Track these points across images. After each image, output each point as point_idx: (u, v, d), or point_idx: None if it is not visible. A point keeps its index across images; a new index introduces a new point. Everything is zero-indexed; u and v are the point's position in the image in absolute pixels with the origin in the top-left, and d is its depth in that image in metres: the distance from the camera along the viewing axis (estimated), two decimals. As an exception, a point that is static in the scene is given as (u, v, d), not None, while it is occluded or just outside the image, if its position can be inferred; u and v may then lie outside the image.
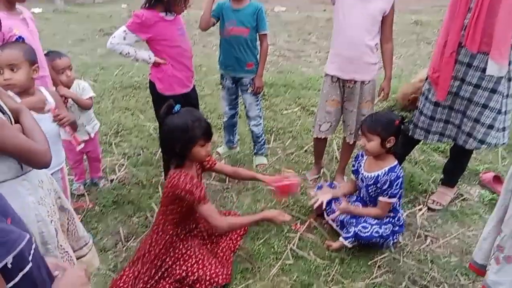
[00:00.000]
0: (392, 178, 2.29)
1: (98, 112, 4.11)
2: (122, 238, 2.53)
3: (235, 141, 3.50)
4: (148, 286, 2.06)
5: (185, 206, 2.03)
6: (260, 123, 3.25)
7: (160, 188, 2.97)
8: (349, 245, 2.36)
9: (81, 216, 2.65)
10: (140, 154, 3.47)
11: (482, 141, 2.48)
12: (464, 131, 2.53)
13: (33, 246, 0.91)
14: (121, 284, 2.09)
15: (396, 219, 2.40)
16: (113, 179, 3.11)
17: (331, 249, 2.41)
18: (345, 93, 2.74)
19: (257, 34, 2.94)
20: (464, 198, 2.93)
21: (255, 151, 3.37)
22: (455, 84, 2.46)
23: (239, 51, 2.93)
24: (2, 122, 1.32)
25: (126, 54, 2.53)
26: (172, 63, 2.59)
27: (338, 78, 2.69)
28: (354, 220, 2.40)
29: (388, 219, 2.39)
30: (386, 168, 2.33)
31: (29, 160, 1.39)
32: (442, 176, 2.96)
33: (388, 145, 2.29)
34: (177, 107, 1.97)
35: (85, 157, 2.94)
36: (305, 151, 3.56)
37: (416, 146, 3.08)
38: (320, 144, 3.05)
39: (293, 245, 2.46)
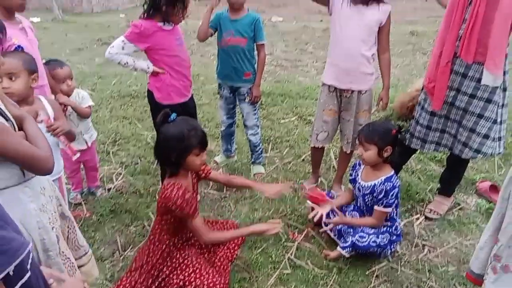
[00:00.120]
0: (388, 187, 2.30)
1: (96, 121, 4.12)
2: (119, 247, 2.52)
3: (233, 150, 3.51)
4: (145, 296, 2.04)
5: (178, 217, 2.03)
6: (258, 132, 3.26)
7: (157, 197, 2.96)
8: (347, 255, 2.36)
9: (78, 225, 2.63)
10: (137, 163, 3.47)
11: (478, 151, 2.49)
12: (460, 141, 2.55)
13: (31, 255, 0.91)
14: (118, 294, 2.07)
15: (393, 228, 2.40)
16: (110, 188, 3.10)
17: (329, 259, 2.41)
18: (342, 102, 2.76)
19: (255, 44, 2.97)
20: (461, 207, 2.93)
21: (252, 160, 3.38)
22: (451, 94, 2.48)
23: (236, 61, 2.95)
24: (6, 128, 1.33)
25: (125, 64, 2.54)
26: (171, 73, 2.60)
27: (335, 88, 2.72)
28: (351, 230, 2.40)
29: (385, 229, 2.39)
30: (383, 178, 2.33)
31: (32, 166, 1.39)
32: (439, 185, 2.97)
33: (385, 155, 2.30)
34: (173, 115, 1.97)
35: (82, 166, 2.94)
36: (303, 160, 3.57)
37: (413, 156, 3.10)
38: (317, 153, 3.06)
39: (291, 254, 2.46)
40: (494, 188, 3.01)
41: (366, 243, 2.29)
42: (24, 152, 1.34)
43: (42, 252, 1.49)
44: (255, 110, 3.18)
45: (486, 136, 2.45)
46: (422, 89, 2.66)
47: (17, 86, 1.86)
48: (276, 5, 13.67)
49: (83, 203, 2.90)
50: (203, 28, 2.89)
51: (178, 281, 2.04)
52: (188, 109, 2.72)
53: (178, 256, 2.10)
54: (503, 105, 2.46)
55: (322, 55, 6.98)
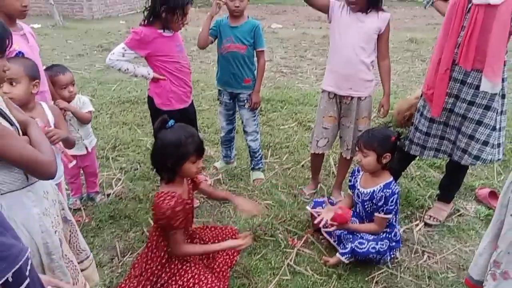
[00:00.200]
0: (387, 194, 2.30)
1: (95, 127, 4.12)
2: (118, 253, 2.51)
3: (232, 156, 3.51)
4: (144, 302, 2.03)
5: (162, 225, 2.02)
6: (257, 138, 3.26)
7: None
8: (346, 261, 2.35)
9: (77, 231, 2.63)
10: (137, 169, 3.47)
11: (477, 157, 2.50)
12: (459, 147, 2.55)
13: (29, 261, 0.91)
14: (116, 300, 2.06)
15: (392, 234, 2.40)
16: (110, 194, 3.10)
17: (328, 265, 2.40)
18: (342, 109, 2.77)
19: (254, 50, 2.99)
20: (461, 214, 2.93)
21: (252, 166, 3.38)
22: (450, 101, 2.49)
23: (236, 68, 2.96)
24: (11, 132, 1.35)
25: (125, 70, 2.56)
26: (171, 79, 2.61)
27: (335, 94, 2.73)
28: (351, 236, 2.40)
29: (384, 235, 2.39)
30: (382, 184, 2.34)
31: (35, 170, 1.40)
32: (438, 191, 2.97)
33: (384, 161, 2.31)
34: (171, 122, 1.97)
35: (81, 171, 2.94)
36: (302, 166, 3.57)
37: (412, 162, 3.10)
38: (317, 160, 3.07)
39: (290, 260, 2.45)
40: (494, 195, 3.02)
41: (366, 249, 2.29)
42: (28, 156, 1.35)
43: (45, 255, 1.50)
44: (255, 116, 3.19)
45: (485, 143, 2.46)
46: (421, 96, 2.67)
47: (17, 91, 1.86)
48: (276, 12, 13.74)
49: (82, 208, 2.89)
50: (203, 35, 2.91)
51: (177, 287, 2.04)
52: (188, 115, 2.73)
53: (176, 262, 2.10)
54: (502, 112, 2.47)
55: (321, 62, 7.01)
